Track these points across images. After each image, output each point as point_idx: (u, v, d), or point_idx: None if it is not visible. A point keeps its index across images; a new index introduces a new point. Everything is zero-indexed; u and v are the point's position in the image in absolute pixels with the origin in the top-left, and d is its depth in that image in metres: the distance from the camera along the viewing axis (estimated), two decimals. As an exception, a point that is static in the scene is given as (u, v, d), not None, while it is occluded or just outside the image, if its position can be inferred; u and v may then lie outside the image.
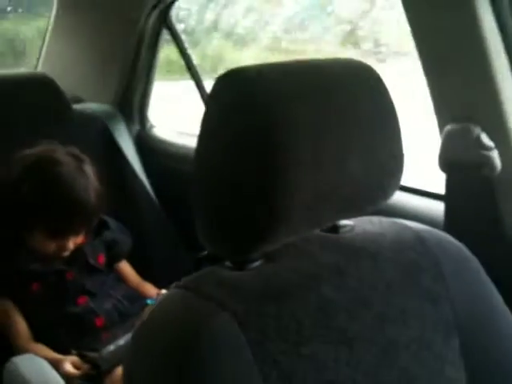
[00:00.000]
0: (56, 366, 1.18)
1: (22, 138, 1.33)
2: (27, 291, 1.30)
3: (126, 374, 0.62)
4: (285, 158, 0.59)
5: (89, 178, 1.30)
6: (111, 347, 1.19)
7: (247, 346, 0.59)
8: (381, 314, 0.70)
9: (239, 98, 0.61)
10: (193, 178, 0.66)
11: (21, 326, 1.29)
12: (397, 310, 0.71)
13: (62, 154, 1.31)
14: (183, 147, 1.68)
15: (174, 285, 0.66)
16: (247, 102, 0.61)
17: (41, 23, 2.09)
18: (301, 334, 0.63)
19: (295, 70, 0.66)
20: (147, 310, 1.29)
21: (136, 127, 1.77)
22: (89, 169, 1.32)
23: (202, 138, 0.64)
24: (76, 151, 1.34)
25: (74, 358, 1.21)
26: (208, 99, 0.64)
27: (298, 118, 0.61)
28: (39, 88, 1.48)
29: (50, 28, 1.75)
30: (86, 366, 1.19)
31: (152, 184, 1.68)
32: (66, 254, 1.31)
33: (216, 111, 0.63)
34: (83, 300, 1.33)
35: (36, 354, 1.22)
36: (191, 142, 1.67)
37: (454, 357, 0.73)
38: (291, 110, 0.61)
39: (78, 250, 1.34)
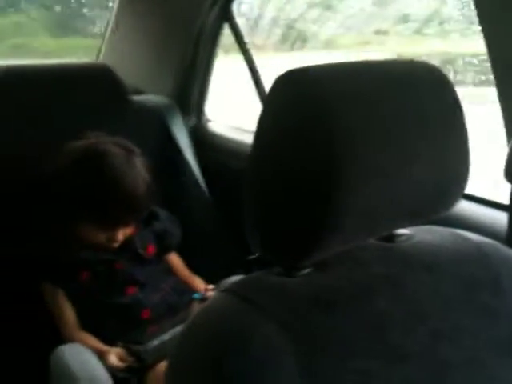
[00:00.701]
0: (101, 356, 1.19)
1: (80, 127, 1.34)
2: (77, 280, 1.32)
3: (170, 372, 0.61)
4: (344, 163, 0.56)
5: (138, 170, 1.30)
6: (156, 342, 1.19)
7: (293, 357, 0.57)
8: (436, 330, 0.66)
9: (300, 99, 0.59)
10: (246, 179, 0.64)
11: (69, 314, 1.31)
12: (452, 326, 0.67)
13: (111, 145, 1.30)
14: (238, 143, 1.67)
15: (222, 288, 0.64)
16: (308, 104, 0.58)
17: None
18: (351, 347, 0.60)
19: (358, 71, 0.63)
20: (195, 308, 1.31)
21: (192, 121, 1.77)
22: (138, 160, 1.32)
23: (259, 137, 0.62)
24: (125, 142, 1.33)
25: (120, 350, 1.21)
26: (267, 98, 0.62)
27: (360, 121, 0.58)
28: (100, 78, 1.50)
29: (112, 20, 1.77)
30: (130, 359, 1.19)
31: (205, 178, 1.67)
32: (116, 244, 1.32)
33: (275, 111, 0.61)
34: (132, 290, 1.33)
35: (82, 343, 1.24)
36: (246, 138, 1.66)
37: (509, 378, 0.69)
38: (354, 112, 0.58)
39: (128, 240, 1.35)
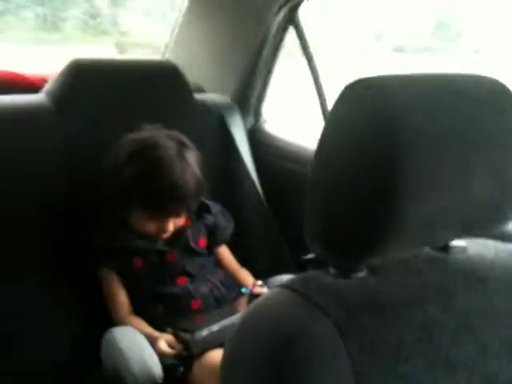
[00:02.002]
0: (151, 341, 1.23)
1: (143, 122, 1.39)
2: (130, 266, 1.36)
3: (227, 361, 0.64)
4: (406, 172, 0.58)
5: (188, 163, 1.32)
6: (204, 332, 1.22)
7: (346, 356, 0.59)
8: (485, 344, 0.67)
9: (366, 108, 0.61)
10: (309, 180, 0.66)
11: (122, 298, 1.36)
12: (502, 342, 0.68)
13: (165, 137, 1.34)
14: (294, 145, 1.69)
15: (275, 284, 0.67)
16: (373, 115, 0.60)
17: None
18: (400, 351, 0.62)
19: (425, 84, 0.65)
20: (242, 302, 1.34)
21: (250, 121, 1.80)
22: (191, 154, 1.35)
23: (324, 142, 0.65)
24: (179, 136, 1.37)
25: (169, 337, 1.25)
26: (335, 104, 0.64)
27: (424, 133, 0.60)
28: (167, 76, 1.55)
29: (180, 19, 1.82)
30: (179, 347, 1.22)
31: (260, 178, 1.70)
32: (166, 235, 1.36)
33: (341, 118, 0.63)
34: (182, 281, 1.37)
35: (134, 327, 1.29)
36: (302, 140, 1.68)
37: None
38: (417, 125, 0.60)
39: (180, 232, 1.39)
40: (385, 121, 0.59)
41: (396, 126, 0.59)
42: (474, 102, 0.65)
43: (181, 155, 1.32)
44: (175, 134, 1.37)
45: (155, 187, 1.29)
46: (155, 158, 1.30)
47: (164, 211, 1.32)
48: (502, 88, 0.68)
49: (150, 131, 1.37)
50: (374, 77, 0.63)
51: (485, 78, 0.69)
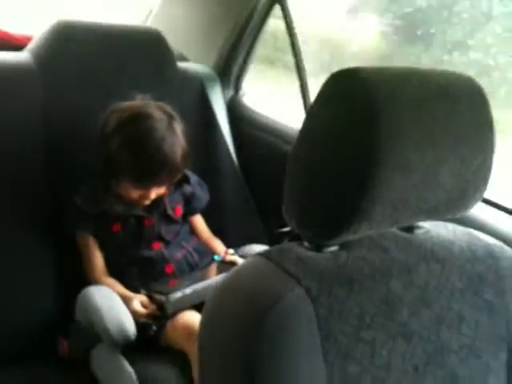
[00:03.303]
0: (126, 301, 1.28)
1: (125, 88, 1.41)
2: (108, 231, 1.40)
3: (206, 323, 0.69)
4: (381, 158, 0.63)
5: (177, 136, 1.36)
6: (178, 294, 1.26)
7: (315, 321, 0.65)
8: (439, 316, 0.74)
9: (348, 97, 0.66)
10: (290, 160, 0.71)
11: (98, 259, 1.40)
12: (455, 315, 0.75)
13: (156, 109, 1.37)
14: (271, 120, 1.73)
15: (256, 252, 0.72)
16: (356, 102, 0.65)
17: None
18: (363, 319, 0.68)
19: (405, 76, 0.69)
20: (213, 269, 1.39)
21: (230, 93, 1.83)
22: (178, 126, 1.38)
23: (307, 124, 0.69)
24: (168, 108, 1.39)
25: (143, 298, 1.30)
26: (321, 89, 0.68)
27: (401, 123, 0.65)
28: (151, 42, 1.56)
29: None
30: (152, 307, 1.27)
31: (236, 150, 1.74)
32: (147, 202, 1.40)
33: (325, 103, 0.68)
34: (158, 246, 1.42)
35: (109, 287, 1.33)
36: (279, 115, 1.72)
37: (499, 369, 0.77)
38: (396, 113, 0.65)
39: (159, 199, 1.43)
40: (365, 110, 0.64)
41: (376, 116, 0.63)
42: (450, 98, 0.70)
43: (171, 127, 1.36)
44: (164, 105, 1.39)
45: (146, 157, 1.32)
46: (148, 129, 1.32)
47: (151, 181, 1.35)
48: (471, 81, 0.73)
49: (141, 101, 1.39)
50: (358, 67, 0.67)
51: (456, 73, 0.74)
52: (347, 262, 0.71)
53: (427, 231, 0.81)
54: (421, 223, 0.81)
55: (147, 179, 1.34)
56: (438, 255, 0.77)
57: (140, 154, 1.32)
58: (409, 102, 0.66)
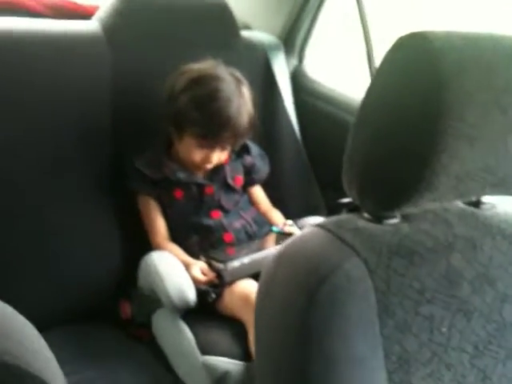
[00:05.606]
0: (186, 267, 1.31)
1: (189, 55, 1.42)
2: (171, 196, 1.43)
3: (263, 291, 0.70)
4: (447, 128, 0.61)
5: (244, 100, 1.38)
6: (236, 263, 1.28)
7: (372, 292, 0.64)
8: (504, 294, 0.72)
9: (418, 61, 0.63)
10: (352, 128, 0.69)
11: (160, 224, 1.43)
12: None
13: (225, 72, 1.39)
14: (335, 91, 1.70)
15: (315, 223, 0.71)
16: (425, 66, 0.62)
17: None
18: (422, 294, 0.67)
19: (477, 42, 0.66)
20: (271, 239, 1.39)
21: (294, 62, 1.81)
22: (246, 91, 1.40)
23: (372, 90, 0.67)
24: (237, 73, 1.42)
25: (203, 265, 1.32)
26: (387, 54, 0.66)
27: (471, 90, 0.62)
28: (216, 14, 1.56)
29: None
30: (211, 274, 1.29)
31: (299, 120, 1.73)
32: (209, 166, 1.41)
33: (391, 70, 0.66)
34: (217, 214, 1.44)
35: (171, 252, 1.36)
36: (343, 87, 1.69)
37: None
38: (467, 81, 0.62)
39: (220, 168, 1.44)
40: (432, 77, 0.62)
41: (443, 83, 0.61)
42: None
43: (238, 90, 1.38)
44: (234, 70, 1.41)
45: (213, 114, 1.34)
46: (216, 88, 1.35)
47: (215, 140, 1.37)
48: None
49: (211, 63, 1.41)
50: (426, 31, 0.65)
51: None
52: (408, 235, 0.69)
53: (494, 206, 0.78)
54: (488, 198, 0.78)
55: (211, 136, 1.36)
56: (504, 231, 0.74)
57: (206, 111, 1.34)
58: (479, 68, 0.63)
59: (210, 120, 1.34)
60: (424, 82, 0.62)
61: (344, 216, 0.73)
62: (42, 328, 0.57)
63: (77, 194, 1.38)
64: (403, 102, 0.64)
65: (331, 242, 0.67)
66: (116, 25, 1.46)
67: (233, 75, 1.40)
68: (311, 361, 0.62)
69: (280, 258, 0.70)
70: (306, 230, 0.71)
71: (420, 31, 0.64)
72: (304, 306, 0.63)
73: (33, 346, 0.49)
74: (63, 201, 1.36)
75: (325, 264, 0.65)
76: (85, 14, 1.56)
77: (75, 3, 1.59)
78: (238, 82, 1.40)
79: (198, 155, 1.39)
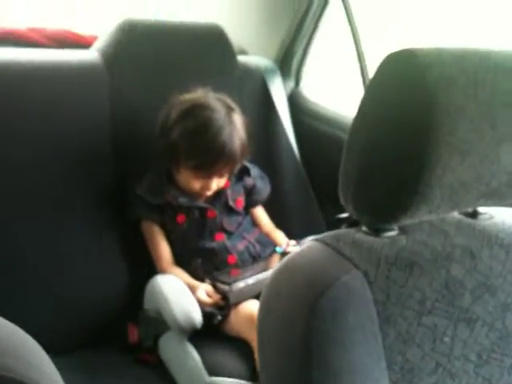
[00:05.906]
0: (192, 290, 1.32)
1: (187, 82, 1.44)
2: (174, 222, 1.44)
3: (264, 307, 0.71)
4: (439, 141, 0.62)
5: (236, 127, 1.39)
6: (241, 284, 1.29)
7: (372, 304, 0.65)
8: (504, 303, 0.72)
9: (407, 76, 0.65)
10: (346, 142, 0.71)
11: (165, 249, 1.44)
12: None
13: (215, 100, 1.40)
14: (332, 111, 1.72)
15: (314, 238, 0.72)
16: (415, 81, 0.64)
17: None
18: (423, 304, 0.68)
19: (465, 57, 0.67)
20: (275, 260, 1.40)
21: (290, 85, 1.83)
22: (237, 118, 1.41)
23: (364, 105, 0.68)
24: (227, 100, 1.43)
25: (208, 287, 1.33)
26: (378, 70, 0.68)
27: (460, 104, 0.63)
28: (213, 38, 1.59)
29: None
30: (217, 296, 1.30)
31: (298, 141, 1.74)
32: (209, 193, 1.43)
33: (381, 86, 0.67)
34: (220, 237, 1.45)
35: (176, 276, 1.37)
36: (341, 107, 1.71)
37: None
38: (455, 95, 0.63)
39: (221, 191, 1.46)
40: (422, 91, 0.63)
41: (434, 97, 0.62)
42: (511, 75, 0.67)
43: (229, 118, 1.39)
44: (224, 97, 1.43)
45: (205, 146, 1.36)
46: (206, 119, 1.37)
47: (211, 170, 1.38)
48: None
49: (201, 93, 1.43)
50: (414, 48, 0.66)
51: None
52: (406, 247, 0.70)
53: (491, 217, 0.78)
54: (485, 209, 0.79)
55: (206, 167, 1.38)
56: (502, 241, 0.75)
57: (198, 142, 1.36)
58: (467, 82, 0.65)
59: (204, 152, 1.36)
60: (413, 96, 0.64)
61: (342, 230, 0.74)
62: (48, 353, 0.58)
63: (83, 220, 1.40)
64: (394, 116, 0.65)
65: (330, 256, 0.68)
66: (115, 54, 1.49)
67: (223, 102, 1.41)
68: (314, 374, 0.63)
69: (280, 273, 0.71)
70: (305, 245, 0.72)
71: (408, 48, 0.66)
72: (305, 319, 0.64)
73: (35, 360, 0.50)
74: (69, 229, 1.38)
75: (324, 277, 0.66)
76: (84, 44, 1.59)
77: (76, 34, 1.62)
78: (229, 109, 1.41)
79: (196, 184, 1.41)
